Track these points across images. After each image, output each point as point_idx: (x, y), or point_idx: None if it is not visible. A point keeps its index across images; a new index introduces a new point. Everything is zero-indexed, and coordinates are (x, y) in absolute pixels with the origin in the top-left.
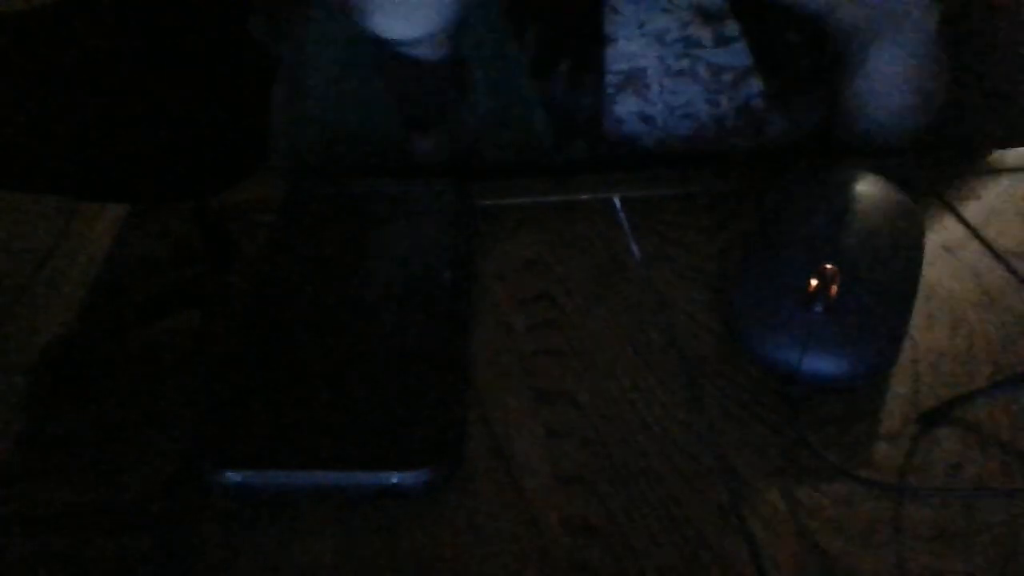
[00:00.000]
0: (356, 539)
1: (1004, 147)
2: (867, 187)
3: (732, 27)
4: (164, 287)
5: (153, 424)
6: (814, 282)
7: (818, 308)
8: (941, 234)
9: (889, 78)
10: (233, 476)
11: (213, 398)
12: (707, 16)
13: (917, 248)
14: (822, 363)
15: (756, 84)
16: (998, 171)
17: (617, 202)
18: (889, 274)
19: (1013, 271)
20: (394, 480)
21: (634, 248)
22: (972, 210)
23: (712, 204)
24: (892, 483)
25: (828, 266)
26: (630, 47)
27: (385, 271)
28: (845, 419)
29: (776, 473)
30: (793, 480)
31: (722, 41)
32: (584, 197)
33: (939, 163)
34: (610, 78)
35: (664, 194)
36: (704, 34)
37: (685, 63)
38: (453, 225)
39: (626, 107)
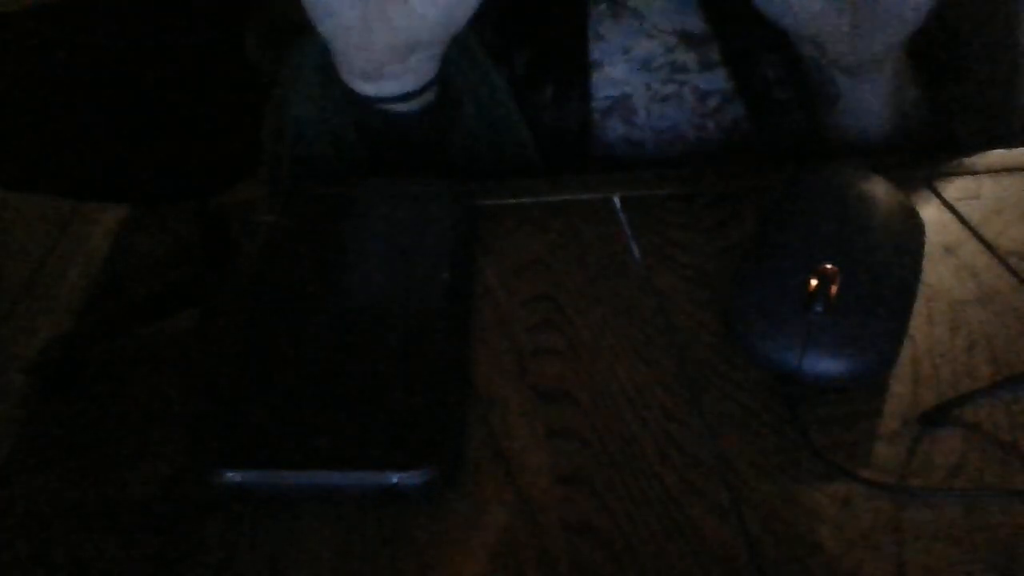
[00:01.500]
0: (356, 539)
1: (1004, 147)
2: (867, 187)
3: (716, 51)
4: (164, 287)
5: (153, 424)
6: (814, 282)
7: (818, 308)
8: (941, 234)
9: (858, 113)
10: (233, 476)
11: (213, 398)
12: (691, 41)
13: (917, 248)
14: (822, 363)
15: (741, 108)
16: (998, 171)
17: (617, 202)
18: (889, 274)
19: (1013, 271)
20: (394, 480)
21: (634, 248)
22: (972, 210)
23: (712, 204)
24: (892, 483)
25: (828, 266)
26: (616, 73)
27: (385, 271)
28: (845, 419)
29: (776, 473)
30: (793, 480)
31: (707, 66)
32: (584, 197)
33: (939, 163)
34: (597, 104)
35: (664, 194)
36: (689, 59)
37: (671, 88)
38: (453, 225)
39: (613, 132)
